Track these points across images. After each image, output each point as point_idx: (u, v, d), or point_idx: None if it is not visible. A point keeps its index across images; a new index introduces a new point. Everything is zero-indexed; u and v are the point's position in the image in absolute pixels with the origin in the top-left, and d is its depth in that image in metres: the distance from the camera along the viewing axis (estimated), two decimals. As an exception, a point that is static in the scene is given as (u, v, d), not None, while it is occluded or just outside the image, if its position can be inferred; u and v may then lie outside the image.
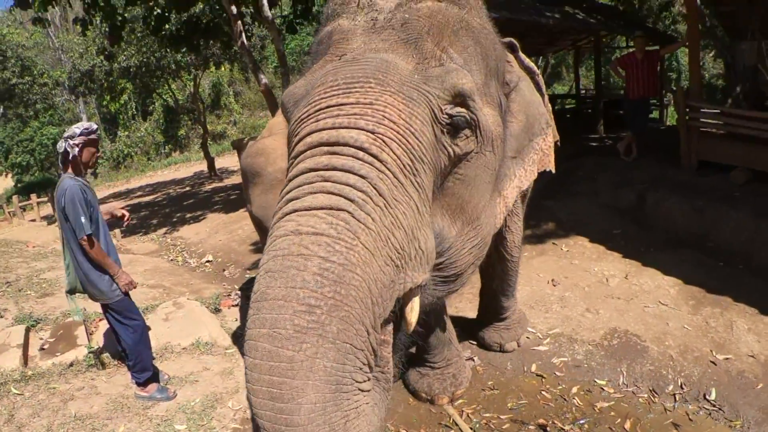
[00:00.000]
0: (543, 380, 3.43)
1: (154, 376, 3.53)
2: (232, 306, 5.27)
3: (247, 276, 6.49)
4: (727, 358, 3.29)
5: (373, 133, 1.34)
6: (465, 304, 4.26)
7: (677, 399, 3.09)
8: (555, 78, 26.59)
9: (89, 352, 3.95)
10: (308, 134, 1.40)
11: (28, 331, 4.47)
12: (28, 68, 20.69)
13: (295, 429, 1.13)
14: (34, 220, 15.47)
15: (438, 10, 1.66)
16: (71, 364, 3.84)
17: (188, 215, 11.11)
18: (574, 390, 3.28)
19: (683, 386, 3.16)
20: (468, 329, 3.86)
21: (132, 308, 3.42)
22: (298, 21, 10.15)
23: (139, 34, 14.15)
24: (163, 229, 10.22)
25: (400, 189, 1.35)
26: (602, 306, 4.07)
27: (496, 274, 3.36)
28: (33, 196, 16.69)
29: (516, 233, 3.18)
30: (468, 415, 3.18)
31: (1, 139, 23.57)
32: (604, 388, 3.28)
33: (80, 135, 3.15)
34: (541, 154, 2.35)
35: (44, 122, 23.95)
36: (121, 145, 27.25)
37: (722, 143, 5.92)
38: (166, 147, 28.05)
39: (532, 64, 2.43)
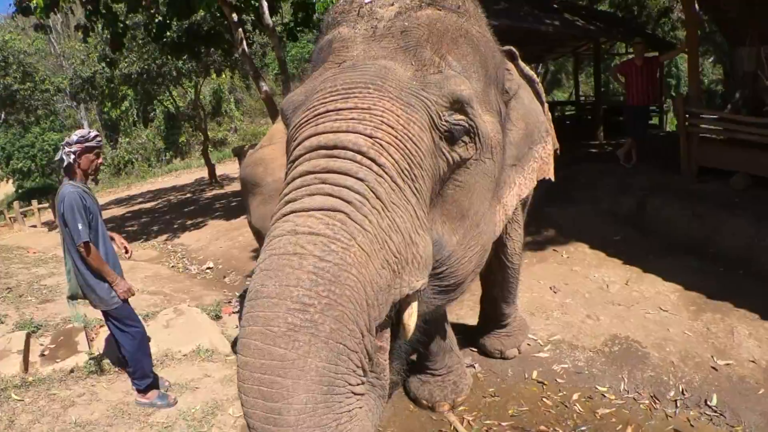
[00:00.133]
0: (544, 387, 3.42)
1: (155, 383, 3.52)
2: (233, 313, 5.27)
3: (248, 283, 6.47)
4: (728, 364, 3.29)
5: (371, 137, 1.35)
6: (466, 311, 4.26)
7: (678, 405, 3.09)
8: (555, 85, 26.67)
9: (90, 359, 3.95)
10: (306, 138, 1.41)
11: (28, 337, 4.46)
12: (29, 74, 20.82)
13: (284, 430, 1.11)
14: (35, 226, 15.48)
15: (437, 18, 1.67)
16: (72, 371, 3.84)
17: (189, 222, 11.10)
18: (575, 397, 3.28)
19: (684, 392, 3.15)
20: (469, 336, 3.86)
21: (131, 315, 3.41)
22: (298, 28, 10.19)
23: (140, 41, 14.24)
24: (164, 236, 10.21)
25: (398, 193, 1.35)
26: (603, 312, 4.07)
27: (496, 281, 3.36)
28: (34, 202, 16.74)
29: (516, 240, 3.18)
30: (469, 422, 3.17)
31: (3, 145, 23.59)
32: (606, 395, 3.27)
33: (76, 143, 3.15)
34: (541, 162, 2.35)
35: (45, 128, 24.02)
36: (122, 151, 27.34)
37: (722, 149, 5.92)
38: (167, 153, 28.13)
39: (531, 73, 2.44)
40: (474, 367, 3.68)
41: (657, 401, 3.14)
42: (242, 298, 5.67)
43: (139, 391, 3.44)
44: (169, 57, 13.74)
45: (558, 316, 4.12)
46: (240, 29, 8.41)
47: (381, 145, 1.35)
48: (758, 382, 3.12)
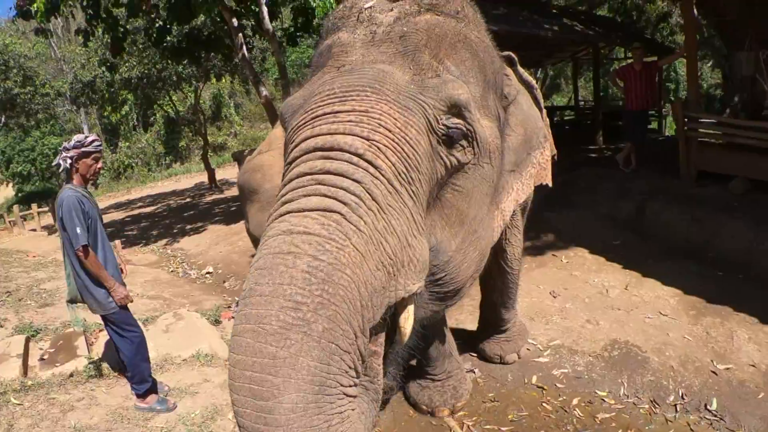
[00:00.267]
0: (544, 392, 3.42)
1: (154, 388, 3.51)
2: (233, 318, 5.25)
3: (247, 286, 6.47)
4: (727, 368, 3.29)
5: (368, 139, 1.35)
6: (465, 316, 4.25)
7: (678, 409, 3.09)
8: (554, 90, 26.68)
9: (89, 363, 3.94)
10: (304, 140, 1.41)
11: (28, 341, 4.45)
12: (30, 78, 20.85)
13: (274, 429, 1.10)
14: (34, 230, 15.48)
15: (436, 24, 1.68)
16: (71, 375, 3.83)
17: (189, 226, 11.11)
18: (575, 401, 3.28)
19: (684, 396, 3.15)
20: (468, 341, 3.85)
21: (130, 320, 3.40)
22: (298, 33, 10.23)
23: (140, 46, 14.28)
24: (164, 241, 10.22)
25: (395, 195, 1.35)
26: (602, 317, 4.07)
27: (496, 286, 3.36)
28: (34, 206, 16.74)
29: (516, 246, 3.18)
30: (469, 427, 3.17)
31: (3, 149, 23.66)
32: (605, 400, 3.27)
33: (73, 148, 3.15)
34: (539, 167, 2.35)
35: (45, 132, 24.11)
36: (122, 155, 27.39)
37: (721, 153, 5.94)
38: (167, 158, 28.17)
39: (530, 78, 2.45)
40: (473, 372, 3.68)
41: (657, 406, 3.14)
42: (241, 302, 5.67)
43: (138, 395, 3.43)
44: (170, 61, 13.80)
45: (557, 321, 4.12)
46: (240, 34, 8.44)
47: (378, 147, 1.35)
48: (758, 386, 3.12)
